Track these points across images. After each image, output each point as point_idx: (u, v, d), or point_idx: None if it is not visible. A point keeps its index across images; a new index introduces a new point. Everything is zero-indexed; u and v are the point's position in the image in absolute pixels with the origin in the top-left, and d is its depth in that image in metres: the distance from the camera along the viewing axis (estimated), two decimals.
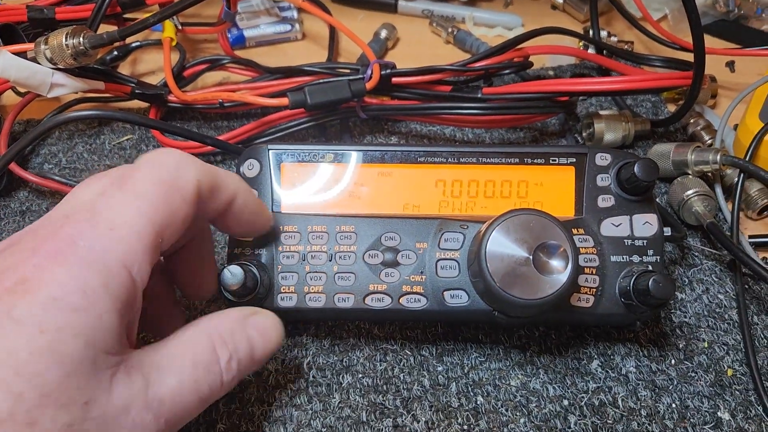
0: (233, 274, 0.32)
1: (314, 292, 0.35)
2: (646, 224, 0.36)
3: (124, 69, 0.56)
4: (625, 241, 0.36)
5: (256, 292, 0.34)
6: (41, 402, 0.22)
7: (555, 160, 0.38)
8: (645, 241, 0.36)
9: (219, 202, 0.30)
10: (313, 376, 0.37)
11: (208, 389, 0.29)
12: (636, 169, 0.35)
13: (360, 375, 0.37)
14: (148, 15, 0.47)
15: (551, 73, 0.56)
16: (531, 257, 0.31)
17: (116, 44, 0.46)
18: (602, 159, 0.38)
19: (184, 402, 0.27)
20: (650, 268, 0.35)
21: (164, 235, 0.27)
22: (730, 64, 0.57)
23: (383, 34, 0.58)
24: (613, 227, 0.36)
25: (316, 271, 0.36)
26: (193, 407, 0.28)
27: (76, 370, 0.23)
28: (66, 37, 0.41)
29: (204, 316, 0.31)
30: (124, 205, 0.26)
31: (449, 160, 0.38)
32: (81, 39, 0.41)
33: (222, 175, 0.30)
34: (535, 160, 0.38)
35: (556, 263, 0.31)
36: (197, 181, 0.28)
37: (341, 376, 0.37)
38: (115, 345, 0.25)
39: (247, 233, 0.34)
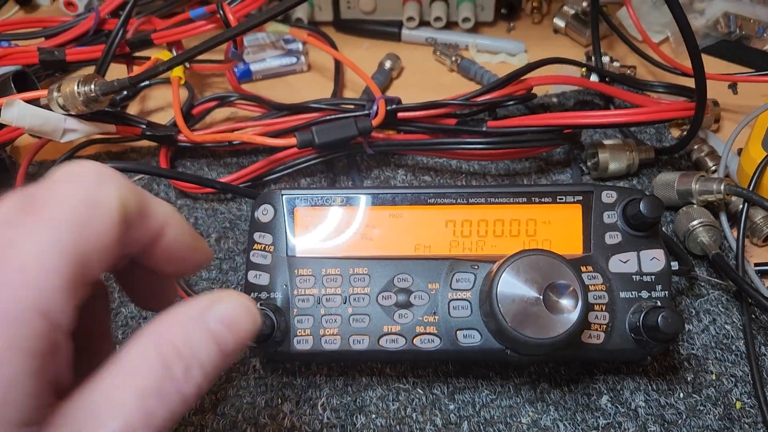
0: None
1: (330, 335, 0.36)
2: (654, 260, 0.37)
3: (134, 107, 0.57)
4: (634, 277, 0.37)
5: (273, 336, 0.35)
6: None
7: (562, 199, 0.38)
8: (653, 277, 0.37)
9: (146, 230, 0.25)
10: (328, 417, 0.38)
11: (166, 413, 0.22)
12: (642, 206, 0.36)
13: (373, 415, 0.38)
14: (156, 56, 0.48)
15: (555, 100, 0.56)
16: (541, 297, 0.32)
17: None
18: (608, 196, 0.38)
19: None
20: (659, 303, 0.36)
21: (89, 266, 0.22)
22: (733, 86, 0.57)
23: (387, 64, 0.58)
24: (621, 263, 0.37)
25: (332, 314, 0.36)
26: None
27: None
28: (78, 85, 0.42)
29: (150, 322, 0.24)
30: (35, 236, 0.21)
31: (458, 200, 0.38)
32: (92, 86, 0.42)
33: (151, 200, 0.25)
34: (543, 199, 0.38)
35: (566, 302, 0.32)
36: (120, 198, 0.23)
37: (355, 416, 0.38)
38: (31, 413, 0.20)
39: (180, 272, 0.28)
